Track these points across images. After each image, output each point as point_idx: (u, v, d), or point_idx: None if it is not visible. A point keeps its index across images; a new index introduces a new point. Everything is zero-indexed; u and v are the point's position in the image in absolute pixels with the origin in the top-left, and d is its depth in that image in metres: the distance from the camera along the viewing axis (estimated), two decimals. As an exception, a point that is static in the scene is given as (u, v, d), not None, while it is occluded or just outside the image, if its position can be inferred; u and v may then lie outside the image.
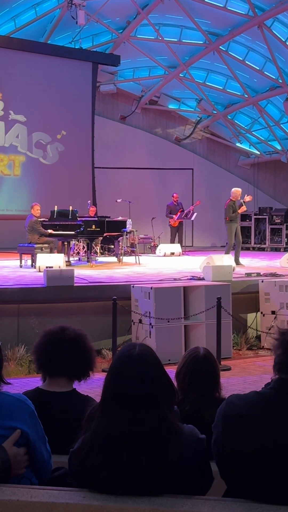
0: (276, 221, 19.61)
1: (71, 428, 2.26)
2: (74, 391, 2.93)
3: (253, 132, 21.78)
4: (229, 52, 18.63)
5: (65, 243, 13.24)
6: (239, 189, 13.61)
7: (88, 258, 13.22)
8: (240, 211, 13.25)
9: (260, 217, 20.00)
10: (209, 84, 20.47)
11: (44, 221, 13.02)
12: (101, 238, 14.54)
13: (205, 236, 21.29)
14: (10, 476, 2.13)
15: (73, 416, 2.50)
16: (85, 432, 2.06)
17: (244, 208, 13.38)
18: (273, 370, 2.04)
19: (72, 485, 2.05)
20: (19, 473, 2.20)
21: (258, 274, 10.35)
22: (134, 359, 2.03)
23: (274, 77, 18.52)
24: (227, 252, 13.19)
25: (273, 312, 9.31)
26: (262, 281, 9.68)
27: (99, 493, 1.90)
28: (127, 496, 1.87)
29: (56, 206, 13.56)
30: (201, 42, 18.49)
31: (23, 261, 12.52)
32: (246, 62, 18.73)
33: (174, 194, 17.57)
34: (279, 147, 21.37)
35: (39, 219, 12.96)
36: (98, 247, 15.09)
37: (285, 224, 19.35)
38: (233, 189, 13.58)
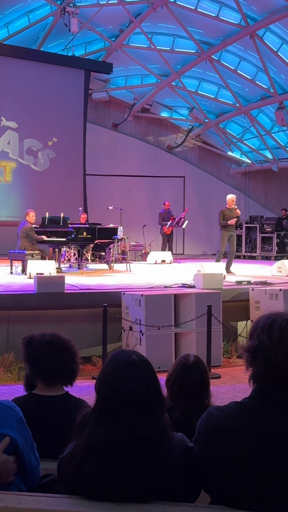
0: (267, 229, 19.68)
1: (66, 432, 2.25)
2: (67, 394, 2.97)
3: (244, 141, 21.88)
4: (221, 61, 18.73)
5: (56, 249, 13.22)
6: (231, 196, 13.45)
7: (79, 265, 13.20)
8: (230, 222, 12.80)
9: (251, 225, 20.07)
10: (201, 92, 20.57)
11: (35, 227, 13.00)
12: (92, 245, 14.52)
13: (196, 244, 21.33)
14: (-1, 483, 2.12)
15: (69, 419, 2.49)
16: (77, 439, 2.04)
17: (234, 220, 12.89)
18: (250, 382, 2.02)
19: (60, 492, 2.04)
20: (8, 481, 2.18)
21: (249, 282, 10.37)
22: (136, 365, 2.04)
23: (265, 87, 18.63)
24: (217, 260, 13.20)
25: (263, 320, 9.30)
26: (253, 289, 9.70)
27: (93, 500, 1.89)
28: (115, 503, 1.86)
29: (47, 213, 13.55)
30: (194, 51, 18.58)
31: (13, 267, 12.47)
32: (238, 71, 18.84)
33: (166, 202, 17.65)
34: (270, 156, 21.48)
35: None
36: (89, 254, 15.07)
37: (275, 233, 19.42)
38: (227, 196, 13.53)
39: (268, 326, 1.97)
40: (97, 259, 15.76)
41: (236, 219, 12.96)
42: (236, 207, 13.21)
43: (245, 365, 2.01)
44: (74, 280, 10.44)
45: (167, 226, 17.11)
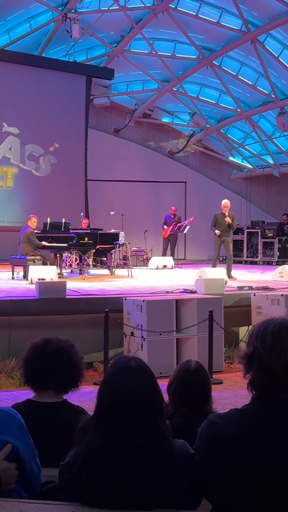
0: (268, 234, 19.67)
1: (63, 439, 2.25)
2: (65, 402, 2.92)
3: (245, 146, 21.90)
4: (222, 67, 18.76)
5: (58, 255, 13.22)
6: (224, 201, 13.64)
7: (80, 270, 13.20)
8: (217, 233, 13.25)
9: (252, 230, 20.06)
10: (202, 98, 20.60)
11: (37, 233, 13.02)
12: (94, 250, 14.53)
13: (198, 249, 21.31)
14: (0, 491, 2.11)
15: (65, 426, 2.48)
16: (78, 445, 2.04)
17: (219, 232, 13.27)
18: (248, 388, 2.02)
19: (62, 499, 2.04)
20: (9, 488, 2.18)
21: (250, 288, 10.36)
22: (133, 371, 2.04)
23: (266, 92, 18.66)
24: (214, 265, 13.29)
25: (265, 326, 9.27)
26: (254, 295, 9.68)
27: (92, 507, 1.88)
28: (117, 510, 1.85)
29: (49, 218, 13.57)
30: (195, 57, 18.62)
31: (15, 273, 12.48)
32: (239, 77, 18.88)
33: (172, 207, 17.76)
34: (271, 161, 21.49)
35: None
36: (91, 260, 15.07)
37: (277, 238, 19.41)
38: None
39: (261, 332, 2.00)
40: (99, 265, 15.76)
41: (219, 232, 13.27)
42: (227, 214, 13.27)
43: (243, 372, 2.02)
44: (76, 286, 10.44)
45: (168, 231, 17.25)
